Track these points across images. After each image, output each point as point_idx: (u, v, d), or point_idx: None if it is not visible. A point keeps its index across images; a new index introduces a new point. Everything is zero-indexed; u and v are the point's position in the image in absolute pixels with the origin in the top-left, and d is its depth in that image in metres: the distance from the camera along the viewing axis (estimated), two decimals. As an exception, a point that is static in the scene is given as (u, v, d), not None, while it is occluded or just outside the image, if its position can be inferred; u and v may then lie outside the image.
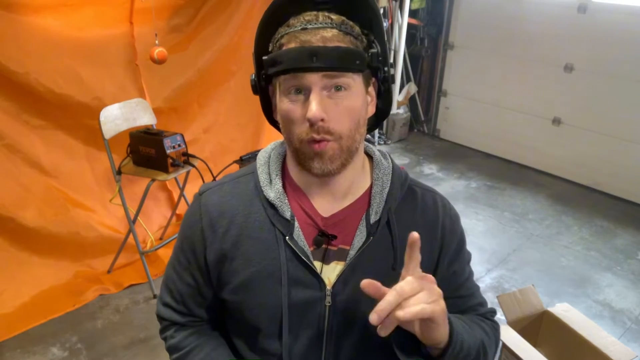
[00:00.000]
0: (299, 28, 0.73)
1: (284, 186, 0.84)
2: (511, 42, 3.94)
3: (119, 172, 2.34)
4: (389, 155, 0.91)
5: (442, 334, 0.72)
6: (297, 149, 0.77)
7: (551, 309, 1.97)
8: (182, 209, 2.86)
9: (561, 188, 3.79)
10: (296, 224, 0.82)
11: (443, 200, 0.92)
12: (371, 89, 0.81)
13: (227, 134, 3.04)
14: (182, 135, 2.35)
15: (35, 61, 2.17)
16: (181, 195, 2.67)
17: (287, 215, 0.82)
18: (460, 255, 0.93)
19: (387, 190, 0.85)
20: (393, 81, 0.82)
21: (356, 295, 0.81)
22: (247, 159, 2.41)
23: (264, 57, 0.76)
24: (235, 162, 2.38)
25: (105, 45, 2.42)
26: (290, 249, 0.81)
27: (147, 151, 2.29)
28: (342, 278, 0.82)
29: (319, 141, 0.74)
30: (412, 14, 4.30)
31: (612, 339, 1.80)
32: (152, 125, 2.52)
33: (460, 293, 0.93)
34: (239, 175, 0.90)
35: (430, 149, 4.50)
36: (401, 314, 0.64)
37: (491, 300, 2.53)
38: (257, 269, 0.82)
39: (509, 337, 1.79)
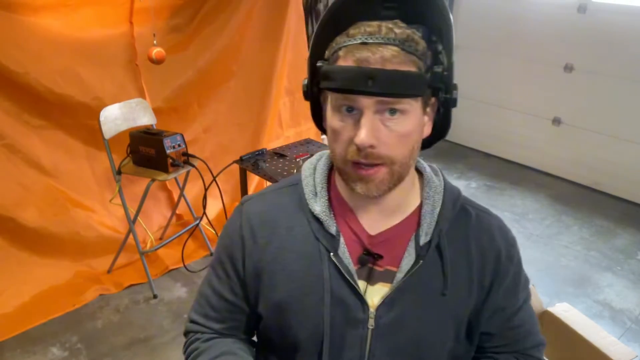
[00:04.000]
0: (358, 42, 0.67)
1: (329, 200, 0.80)
2: (511, 42, 3.94)
3: (119, 172, 2.34)
4: (441, 172, 0.86)
5: None
6: (340, 168, 0.74)
7: (551, 309, 1.97)
8: (181, 209, 2.86)
9: (561, 188, 3.79)
10: (342, 240, 0.78)
11: (500, 222, 0.87)
12: (429, 110, 0.75)
13: (227, 134, 3.03)
14: (182, 135, 2.35)
15: (35, 61, 2.17)
16: (181, 195, 2.67)
17: (333, 230, 0.78)
18: (517, 284, 0.86)
19: (437, 210, 0.80)
20: (454, 105, 0.74)
21: (401, 319, 0.77)
22: (247, 159, 2.41)
23: (318, 64, 0.72)
24: (235, 162, 2.37)
25: (105, 45, 2.42)
26: (334, 266, 0.77)
27: (147, 151, 2.29)
28: (387, 301, 0.77)
29: (365, 165, 0.70)
30: (412, 14, 4.29)
31: (612, 339, 1.80)
32: (152, 125, 2.52)
33: (512, 328, 0.86)
34: (282, 186, 0.86)
35: (430, 148, 4.49)
36: None
37: (491, 300, 2.53)
38: (299, 285, 0.78)
39: (509, 337, 1.79)
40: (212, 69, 2.83)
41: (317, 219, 0.79)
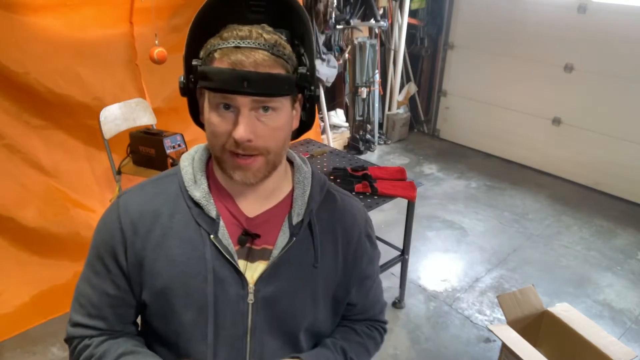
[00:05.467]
0: (232, 45, 0.73)
1: (208, 186, 0.85)
2: (511, 42, 3.94)
3: (119, 172, 2.34)
4: (308, 161, 0.95)
5: None
6: (219, 157, 0.79)
7: (551, 309, 1.97)
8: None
9: (561, 188, 3.79)
10: (221, 222, 0.83)
11: (359, 205, 0.97)
12: (297, 105, 0.83)
13: (227, 134, 3.03)
14: (182, 135, 2.35)
15: (35, 61, 2.17)
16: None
17: (213, 214, 0.83)
18: (374, 258, 0.99)
19: (307, 193, 0.88)
20: (317, 100, 0.85)
21: (278, 292, 0.85)
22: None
23: (194, 63, 0.77)
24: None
25: (105, 45, 2.42)
26: (215, 247, 0.82)
27: (147, 151, 2.29)
28: (264, 276, 0.84)
29: (243, 155, 0.76)
30: (412, 14, 4.30)
31: (612, 339, 1.80)
32: (152, 125, 2.52)
33: (369, 298, 0.99)
34: (161, 177, 0.90)
35: (430, 149, 4.50)
36: None
37: (491, 299, 2.53)
38: (182, 269, 0.82)
39: (509, 337, 1.79)
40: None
41: (197, 205, 0.84)
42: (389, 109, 4.55)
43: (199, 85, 0.78)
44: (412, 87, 4.63)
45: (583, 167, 3.78)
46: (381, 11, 3.99)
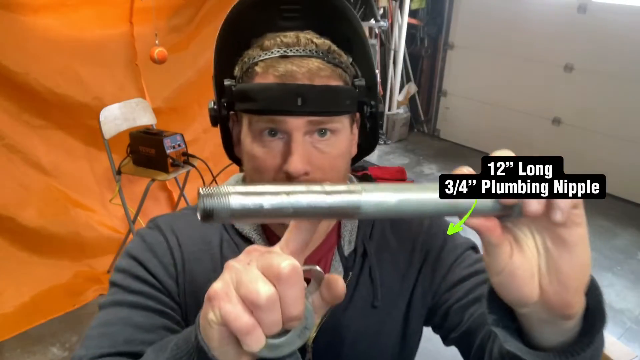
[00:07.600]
0: (277, 55, 0.59)
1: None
2: (511, 42, 3.94)
3: (119, 172, 2.34)
4: (354, 178, 0.79)
5: (582, 271, 0.40)
6: None
7: (551, 309, 1.97)
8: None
9: (561, 188, 3.78)
10: None
11: None
12: (354, 127, 0.68)
13: (227, 134, 3.04)
14: (182, 135, 2.35)
15: (35, 61, 2.17)
16: (181, 195, 2.67)
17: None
18: (456, 251, 0.76)
19: None
20: (381, 118, 0.69)
21: (340, 342, 0.71)
22: (247, 159, 2.41)
23: (227, 83, 0.64)
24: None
25: (105, 45, 2.42)
26: None
27: (147, 151, 2.29)
28: (323, 326, 0.68)
29: None
30: (412, 14, 4.30)
31: (612, 339, 1.79)
32: (152, 125, 2.52)
33: (475, 268, 0.71)
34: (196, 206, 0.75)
35: (430, 149, 4.50)
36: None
37: (491, 300, 2.53)
38: None
39: (509, 337, 1.78)
40: (212, 68, 2.83)
41: (248, 240, 0.69)
42: (389, 109, 4.54)
43: (238, 109, 0.63)
44: (412, 87, 4.63)
45: (583, 167, 3.78)
46: (381, 11, 3.99)
